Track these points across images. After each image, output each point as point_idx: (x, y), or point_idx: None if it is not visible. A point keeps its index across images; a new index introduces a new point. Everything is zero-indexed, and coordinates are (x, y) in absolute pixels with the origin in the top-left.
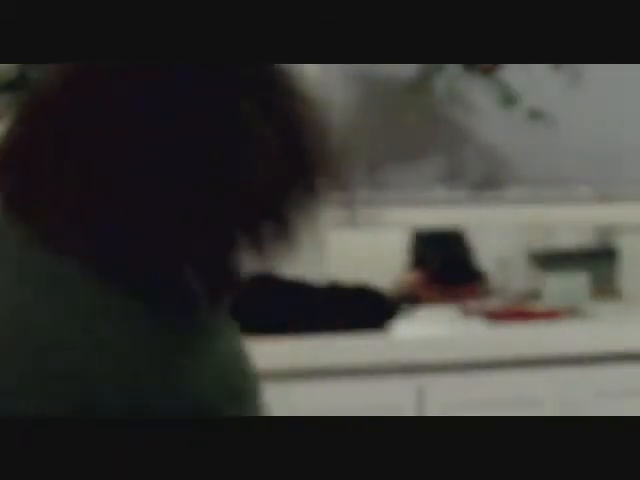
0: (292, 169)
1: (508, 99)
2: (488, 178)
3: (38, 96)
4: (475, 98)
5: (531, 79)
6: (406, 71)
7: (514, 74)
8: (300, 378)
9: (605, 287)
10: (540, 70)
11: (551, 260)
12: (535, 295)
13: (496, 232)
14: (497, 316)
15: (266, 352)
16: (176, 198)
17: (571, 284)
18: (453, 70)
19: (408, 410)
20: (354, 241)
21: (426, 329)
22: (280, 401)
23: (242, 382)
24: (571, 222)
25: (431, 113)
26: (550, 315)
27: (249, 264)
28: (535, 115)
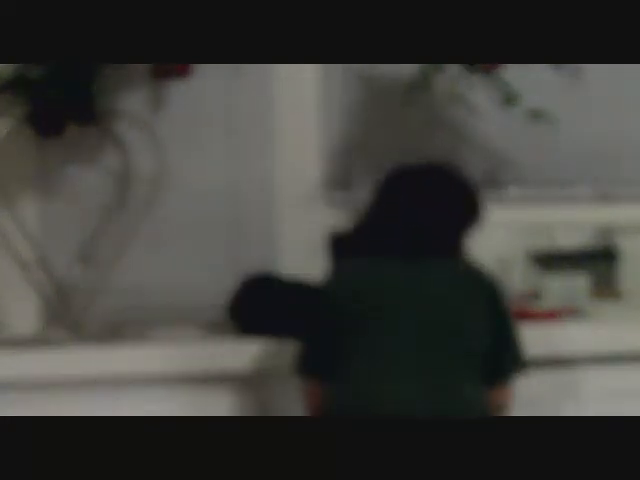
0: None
1: (508, 99)
2: (488, 178)
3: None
4: (475, 98)
5: (531, 79)
6: (406, 71)
7: (514, 74)
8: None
9: (605, 287)
10: (540, 70)
11: (551, 260)
12: (535, 295)
13: (496, 232)
14: None
15: (266, 352)
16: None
17: (571, 284)
18: (453, 70)
19: None
20: None
21: None
22: (279, 401)
23: None
24: (571, 222)
25: (431, 113)
26: (550, 315)
27: None
28: (535, 115)
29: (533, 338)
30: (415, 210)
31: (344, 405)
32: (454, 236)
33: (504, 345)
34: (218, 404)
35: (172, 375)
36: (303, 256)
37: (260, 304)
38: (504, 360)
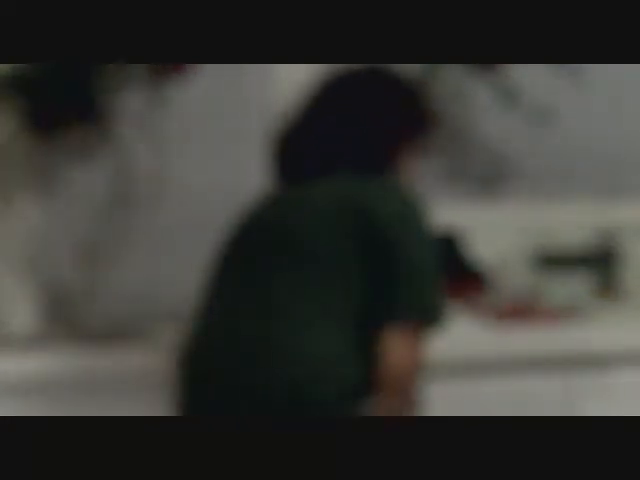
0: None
1: (509, 98)
2: (488, 178)
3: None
4: (476, 98)
5: (531, 79)
6: (406, 71)
7: (514, 74)
8: None
9: (607, 287)
10: (540, 70)
11: (552, 260)
12: (536, 295)
13: (497, 232)
14: (497, 316)
15: None
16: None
17: (572, 284)
18: (453, 70)
19: None
20: None
21: None
22: None
23: None
24: (573, 222)
25: None
26: (551, 315)
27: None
28: (536, 115)
29: (534, 338)
30: (320, 121)
31: (191, 343)
32: (369, 149)
33: (399, 280)
34: None
35: (172, 375)
36: None
37: None
38: (395, 299)
